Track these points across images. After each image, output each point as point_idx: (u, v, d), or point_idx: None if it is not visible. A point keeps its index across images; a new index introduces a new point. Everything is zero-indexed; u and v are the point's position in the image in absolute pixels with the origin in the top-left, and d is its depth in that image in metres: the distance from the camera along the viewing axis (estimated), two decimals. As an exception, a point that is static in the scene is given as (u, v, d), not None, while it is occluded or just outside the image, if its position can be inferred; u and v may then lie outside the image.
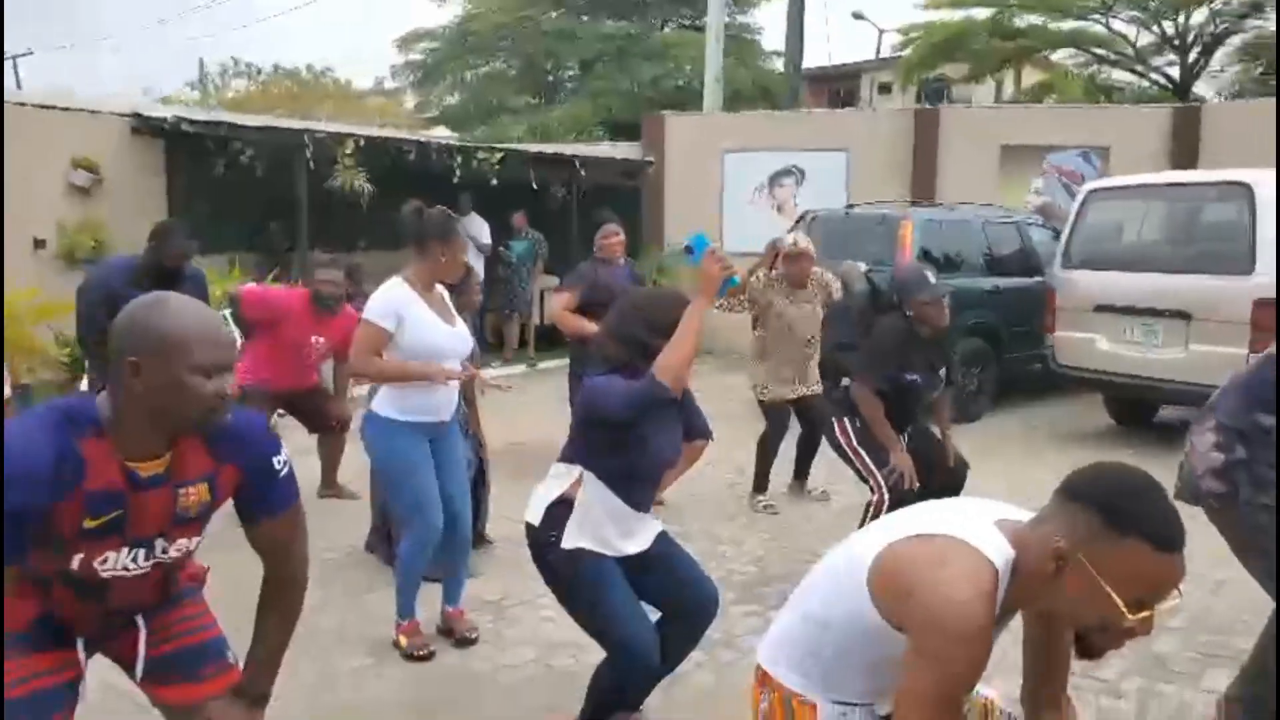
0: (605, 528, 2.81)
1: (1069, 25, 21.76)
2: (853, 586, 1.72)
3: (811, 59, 25.03)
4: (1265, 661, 2.68)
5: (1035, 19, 21.87)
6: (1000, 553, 1.63)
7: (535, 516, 2.84)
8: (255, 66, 30.97)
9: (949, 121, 11.62)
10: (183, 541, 1.91)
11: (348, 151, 8.72)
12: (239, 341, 4.98)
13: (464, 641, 3.76)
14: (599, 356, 2.93)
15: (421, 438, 3.62)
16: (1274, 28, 18.38)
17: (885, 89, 40.15)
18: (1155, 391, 7.00)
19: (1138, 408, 7.73)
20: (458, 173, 9.65)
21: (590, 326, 5.07)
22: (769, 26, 43.54)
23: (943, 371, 4.45)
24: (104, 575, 1.83)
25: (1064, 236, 7.47)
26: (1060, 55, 24.95)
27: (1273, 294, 6.26)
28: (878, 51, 29.38)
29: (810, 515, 5.53)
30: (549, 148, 12.42)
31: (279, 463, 1.93)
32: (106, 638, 1.98)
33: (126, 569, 1.84)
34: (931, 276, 4.39)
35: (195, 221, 6.34)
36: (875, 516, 4.16)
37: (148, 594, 1.95)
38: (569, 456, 2.87)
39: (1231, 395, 2.73)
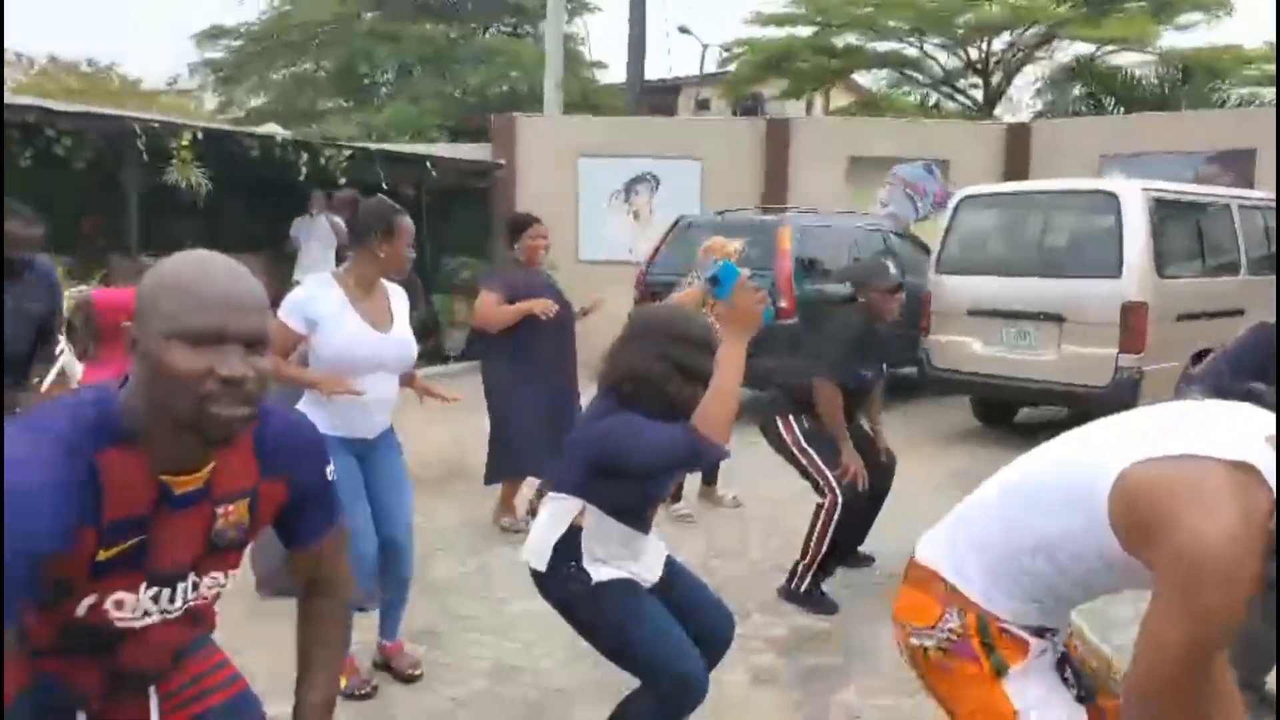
0: (621, 553, 2.49)
1: (884, 47, 22.90)
2: (1086, 510, 1.46)
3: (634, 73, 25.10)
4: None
5: (853, 39, 22.87)
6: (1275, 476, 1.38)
7: (540, 559, 2.49)
8: (27, 57, 28.22)
9: (800, 133, 11.83)
10: (215, 576, 1.45)
11: (184, 144, 7.87)
12: (80, 366, 4.25)
13: (408, 678, 3.32)
14: (611, 393, 2.56)
15: (346, 454, 3.14)
16: (1073, 57, 19.91)
17: (704, 105, 41.18)
18: (1027, 392, 7.25)
19: (1002, 409, 8.01)
20: (304, 170, 8.93)
21: (541, 304, 4.77)
22: (588, 38, 43.60)
23: (884, 365, 4.39)
24: (118, 625, 1.36)
25: (938, 243, 7.64)
26: (869, 78, 26.27)
27: (1140, 298, 6.61)
28: (701, 66, 29.91)
29: (732, 517, 5.35)
30: (401, 147, 11.81)
31: (330, 473, 1.52)
32: (108, 713, 1.48)
33: (147, 614, 1.37)
34: (893, 267, 4.33)
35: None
36: (828, 521, 4.01)
37: (168, 650, 1.48)
38: (568, 488, 2.53)
39: (1222, 363, 2.84)
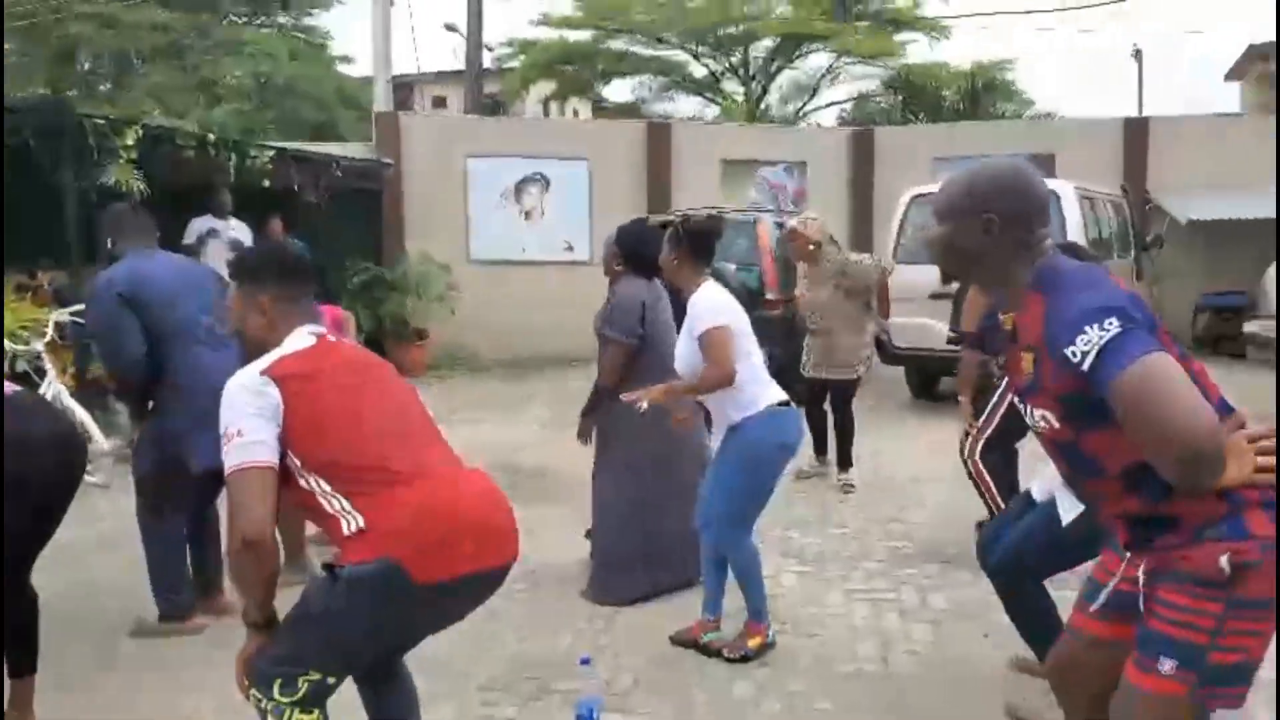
0: None
1: (650, 52, 24.06)
2: None
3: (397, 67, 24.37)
4: None
5: (622, 45, 23.83)
6: None
7: None
8: None
9: (679, 136, 12.43)
10: None
11: (129, 142, 7.11)
12: None
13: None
14: None
15: None
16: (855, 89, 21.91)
17: (440, 102, 40.70)
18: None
19: (932, 381, 9.10)
20: (232, 172, 8.31)
21: None
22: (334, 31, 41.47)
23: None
24: None
25: (892, 235, 8.55)
26: (622, 87, 27.38)
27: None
28: (467, 63, 29.68)
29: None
30: (306, 147, 11.08)
31: None
32: None
33: None
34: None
35: None
36: None
37: None
38: None
39: None
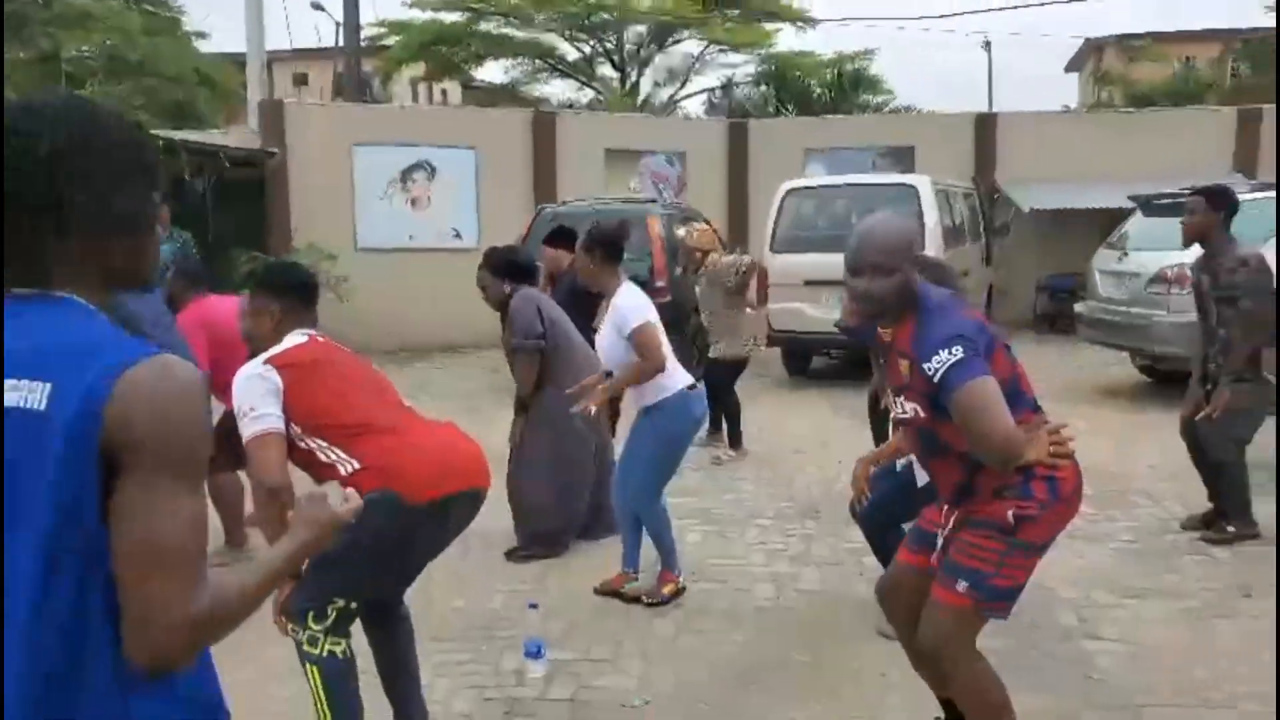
0: None
1: (522, 34, 24.21)
2: None
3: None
4: None
5: (495, 27, 23.91)
6: None
7: None
8: None
9: (563, 127, 12.80)
10: None
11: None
12: None
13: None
14: None
15: None
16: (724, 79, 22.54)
17: (302, 79, 39.63)
18: (849, 345, 9.11)
19: (804, 359, 9.82)
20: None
21: None
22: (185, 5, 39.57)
23: None
24: None
25: (769, 227, 9.20)
26: (494, 69, 27.41)
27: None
28: (336, 41, 29.07)
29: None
30: (193, 135, 10.92)
31: None
32: None
33: None
34: None
35: None
36: None
37: None
38: None
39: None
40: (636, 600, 4.02)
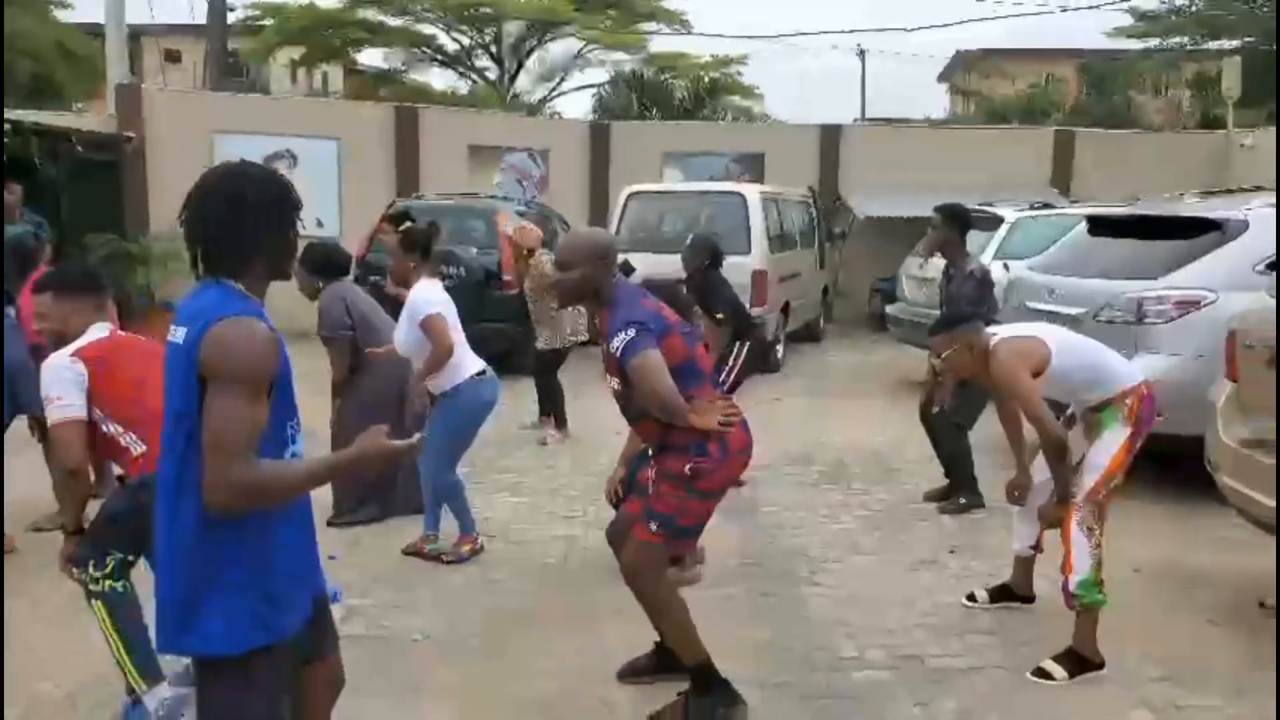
0: None
1: (398, 22, 24.29)
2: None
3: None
4: None
5: (373, 15, 23.94)
6: None
7: None
8: None
9: (427, 120, 13.17)
10: None
11: None
12: None
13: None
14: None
15: None
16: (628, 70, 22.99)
17: (174, 56, 38.56)
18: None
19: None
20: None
21: None
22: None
23: None
24: None
25: (612, 227, 9.82)
26: (375, 54, 27.38)
27: (763, 267, 9.46)
28: (209, 27, 28.62)
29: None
30: (41, 117, 10.84)
31: None
32: None
33: None
34: None
35: None
36: None
37: None
38: None
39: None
40: (437, 559, 4.58)
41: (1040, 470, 3.88)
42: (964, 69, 35.37)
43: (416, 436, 2.21)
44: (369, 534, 4.97)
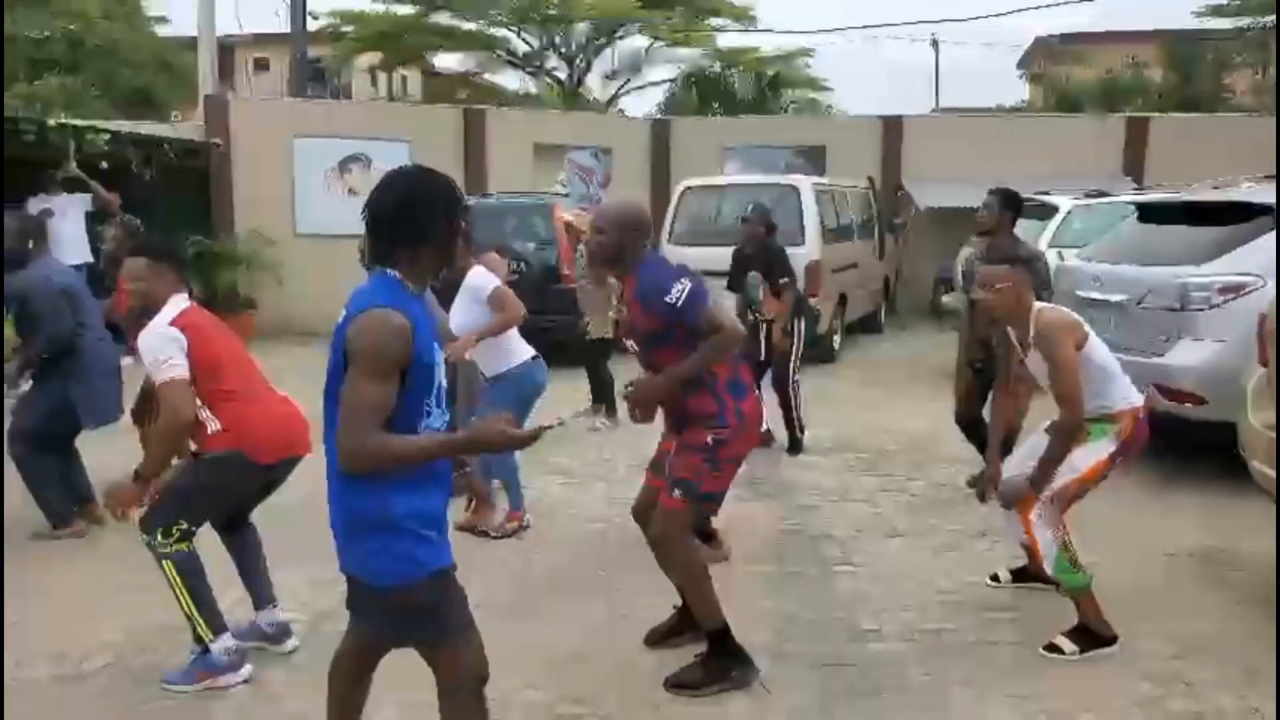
0: None
1: (471, 26, 24.82)
2: None
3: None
4: None
5: (447, 20, 24.51)
6: None
7: None
8: None
9: (493, 122, 13.56)
10: None
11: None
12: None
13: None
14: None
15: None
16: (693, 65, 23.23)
17: (263, 64, 39.88)
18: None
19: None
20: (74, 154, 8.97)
21: None
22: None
23: None
24: None
25: (667, 220, 10.04)
26: (450, 58, 28.00)
27: (817, 257, 9.57)
28: (293, 36, 29.61)
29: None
30: (138, 126, 11.57)
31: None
32: None
33: None
34: None
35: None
36: None
37: None
38: None
39: None
40: (484, 534, 4.87)
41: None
42: (1042, 56, 34.61)
43: (540, 426, 2.42)
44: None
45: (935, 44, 35.85)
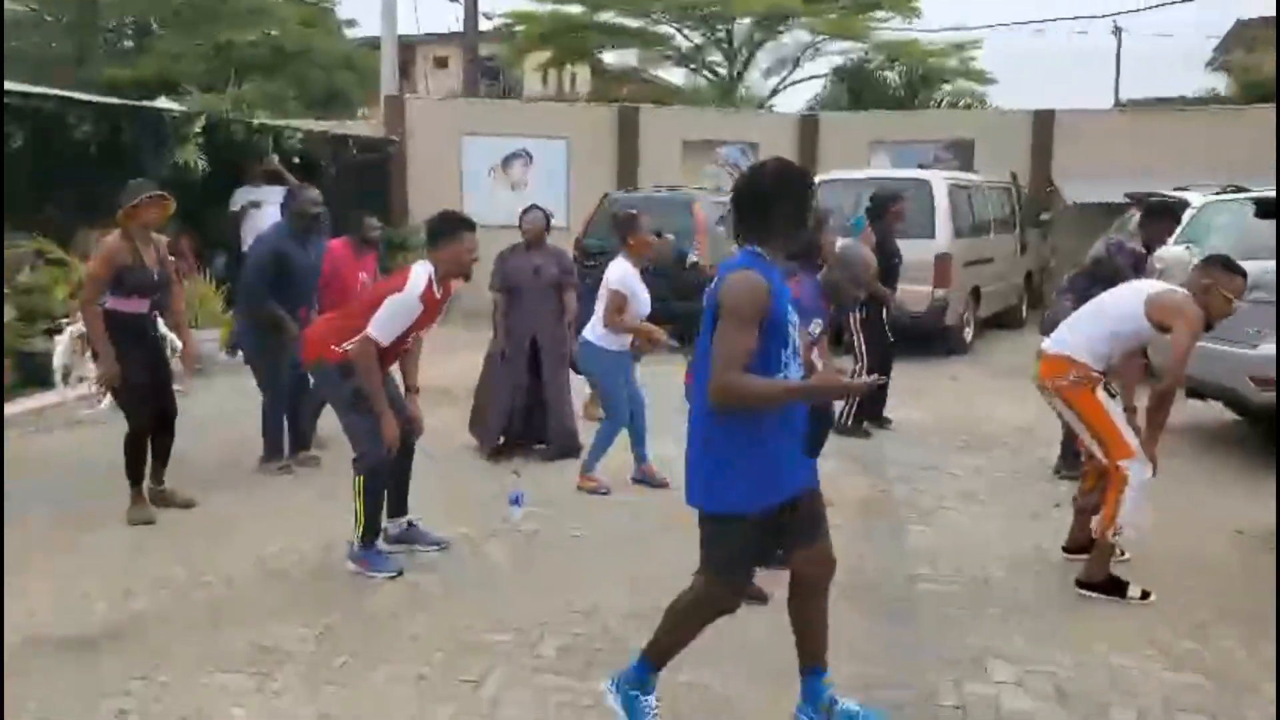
0: None
1: (636, 24, 25.70)
2: (1134, 315, 4.12)
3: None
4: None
5: (612, 18, 25.47)
6: None
7: None
8: None
9: (645, 119, 14.36)
10: None
11: (196, 129, 9.09)
12: None
13: (660, 485, 5.64)
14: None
15: (624, 358, 5.55)
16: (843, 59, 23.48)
17: (442, 63, 42.11)
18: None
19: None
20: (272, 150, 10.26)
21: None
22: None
23: None
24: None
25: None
26: (618, 55, 28.97)
27: (947, 250, 9.86)
28: (465, 37, 31.46)
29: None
30: (327, 126, 13.01)
31: None
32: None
33: None
34: None
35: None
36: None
37: None
38: None
39: (1080, 279, 5.75)
40: (595, 492, 5.58)
41: None
42: (1239, 42, 32.57)
43: (872, 377, 3.09)
44: (532, 467, 6.12)
45: (1118, 30, 34.29)
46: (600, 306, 5.58)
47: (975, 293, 10.60)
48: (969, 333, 10.73)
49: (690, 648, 3.06)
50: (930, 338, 10.44)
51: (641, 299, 5.60)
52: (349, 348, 4.23)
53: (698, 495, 2.83)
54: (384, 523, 4.50)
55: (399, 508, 4.64)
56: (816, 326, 4.60)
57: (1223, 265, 4.25)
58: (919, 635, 3.79)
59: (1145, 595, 4.07)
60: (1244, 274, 4.24)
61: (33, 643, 3.60)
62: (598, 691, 3.27)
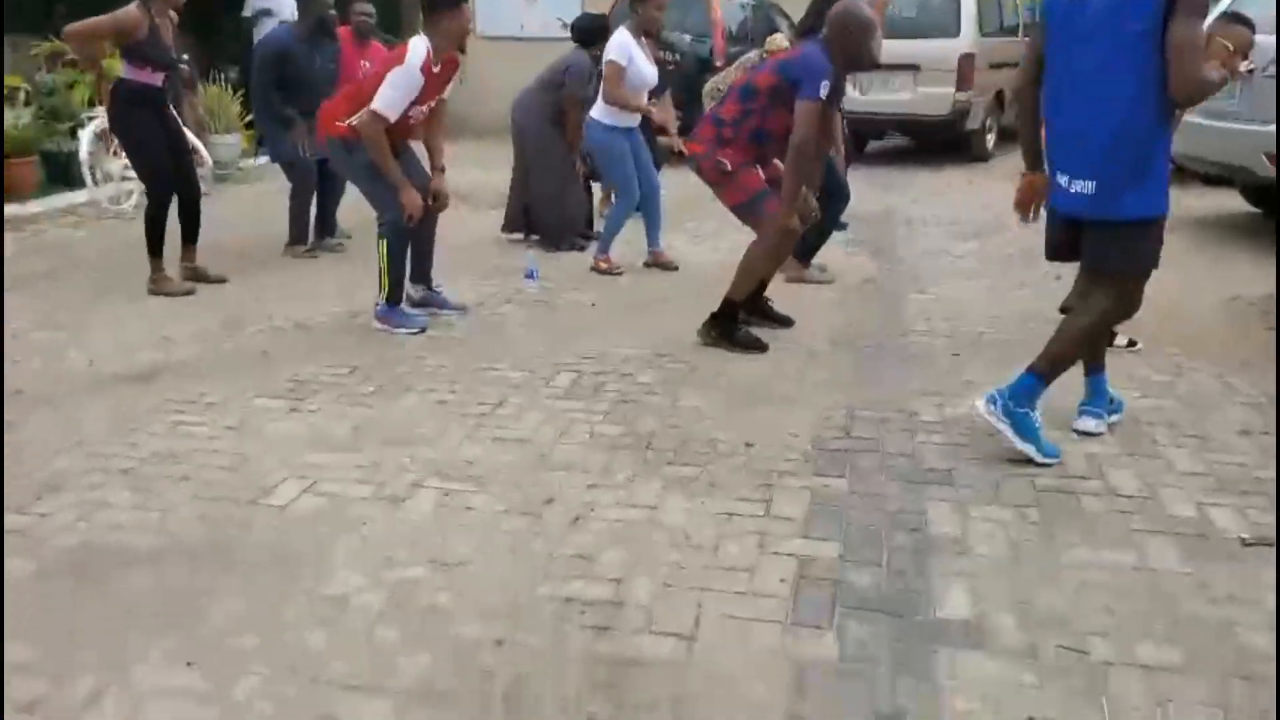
0: None
1: None
2: None
3: None
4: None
5: None
6: None
7: None
8: None
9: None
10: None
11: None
12: None
13: (668, 267, 5.84)
14: None
15: (626, 137, 5.65)
16: None
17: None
18: (888, 123, 10.27)
19: (857, 140, 10.99)
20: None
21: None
22: None
23: None
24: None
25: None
26: None
27: (971, 50, 9.65)
28: None
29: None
30: None
31: None
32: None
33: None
34: None
35: None
36: None
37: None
38: None
39: None
40: (608, 273, 5.76)
41: None
42: None
43: None
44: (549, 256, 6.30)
45: None
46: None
47: (999, 97, 10.41)
48: (991, 139, 10.61)
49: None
50: (951, 143, 10.36)
51: (644, 71, 5.62)
52: (354, 122, 4.35)
53: (1132, 207, 2.96)
54: (407, 288, 4.75)
55: (421, 277, 4.87)
56: None
57: (1229, 16, 4.22)
58: (909, 373, 4.03)
59: (1132, 344, 4.26)
60: (1250, 25, 4.19)
61: (93, 379, 3.92)
62: (607, 411, 3.56)
